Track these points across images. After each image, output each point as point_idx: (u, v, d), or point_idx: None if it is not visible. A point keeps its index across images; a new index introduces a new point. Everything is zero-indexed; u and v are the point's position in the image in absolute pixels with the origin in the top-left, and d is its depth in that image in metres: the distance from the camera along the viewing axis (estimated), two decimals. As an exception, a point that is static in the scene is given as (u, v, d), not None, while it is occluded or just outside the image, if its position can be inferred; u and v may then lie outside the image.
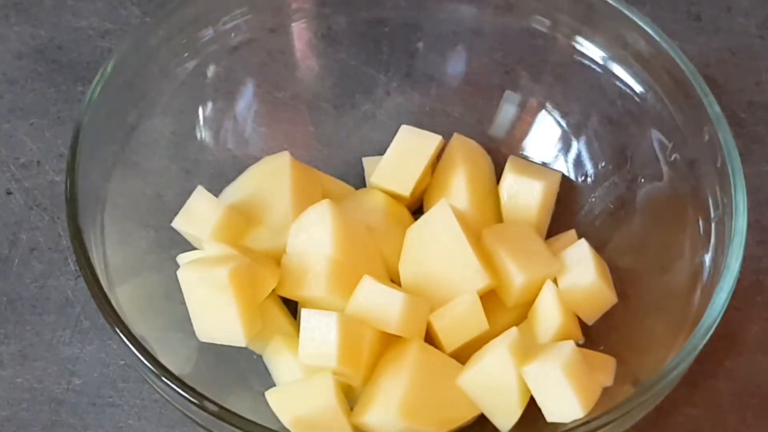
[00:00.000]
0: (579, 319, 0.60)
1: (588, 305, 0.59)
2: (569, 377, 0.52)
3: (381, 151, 0.64)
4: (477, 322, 0.57)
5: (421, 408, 0.54)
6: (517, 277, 0.58)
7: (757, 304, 0.65)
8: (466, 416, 0.56)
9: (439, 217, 0.59)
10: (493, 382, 0.55)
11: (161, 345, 0.54)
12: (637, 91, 0.62)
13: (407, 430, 0.54)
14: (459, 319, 0.57)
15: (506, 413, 0.55)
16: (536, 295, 0.59)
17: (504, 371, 0.54)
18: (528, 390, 0.54)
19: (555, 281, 0.59)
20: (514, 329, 0.55)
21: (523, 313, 0.60)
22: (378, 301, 0.56)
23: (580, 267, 0.59)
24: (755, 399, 0.62)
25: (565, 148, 0.66)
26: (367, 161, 0.66)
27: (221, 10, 0.64)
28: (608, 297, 0.59)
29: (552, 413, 0.54)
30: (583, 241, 0.60)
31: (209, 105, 0.65)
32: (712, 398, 0.62)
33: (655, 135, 0.62)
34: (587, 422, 0.49)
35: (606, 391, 0.55)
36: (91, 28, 0.75)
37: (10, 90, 0.72)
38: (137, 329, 0.52)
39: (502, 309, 0.59)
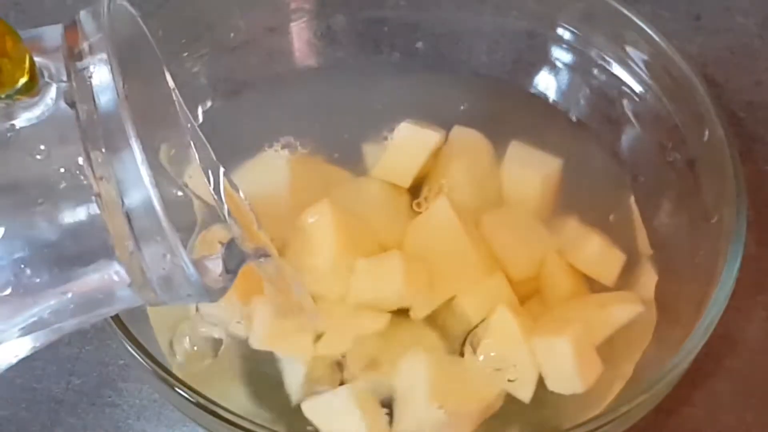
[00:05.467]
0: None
1: (602, 266, 0.60)
2: (576, 356, 0.54)
3: (381, 139, 0.64)
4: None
5: (448, 389, 0.55)
6: (517, 258, 0.58)
7: (757, 304, 0.65)
8: (492, 393, 0.56)
9: (438, 213, 0.59)
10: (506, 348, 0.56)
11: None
12: (637, 91, 0.62)
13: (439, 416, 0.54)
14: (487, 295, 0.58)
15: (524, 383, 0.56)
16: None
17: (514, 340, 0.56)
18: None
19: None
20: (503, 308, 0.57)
21: (533, 288, 0.60)
22: (378, 271, 0.56)
23: (582, 236, 0.60)
24: (755, 399, 0.62)
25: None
26: (366, 147, 0.65)
27: (221, 10, 0.64)
28: (618, 255, 0.60)
29: (553, 384, 0.55)
30: (574, 216, 0.61)
31: (209, 104, 0.65)
32: (712, 398, 0.62)
33: (655, 135, 0.62)
34: (587, 422, 0.50)
35: (606, 390, 0.56)
36: (90, 27, 0.75)
37: (9, 90, 0.72)
38: (136, 329, 0.52)
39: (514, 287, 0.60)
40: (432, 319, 0.58)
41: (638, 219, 0.62)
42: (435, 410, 0.54)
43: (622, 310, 0.58)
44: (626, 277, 0.60)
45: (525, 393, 0.56)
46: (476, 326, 0.58)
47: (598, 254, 0.60)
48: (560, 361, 0.55)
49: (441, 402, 0.54)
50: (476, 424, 0.55)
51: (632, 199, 0.63)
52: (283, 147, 0.63)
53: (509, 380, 0.56)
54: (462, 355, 0.57)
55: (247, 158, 0.63)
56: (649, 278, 0.60)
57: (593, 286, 0.60)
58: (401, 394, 0.56)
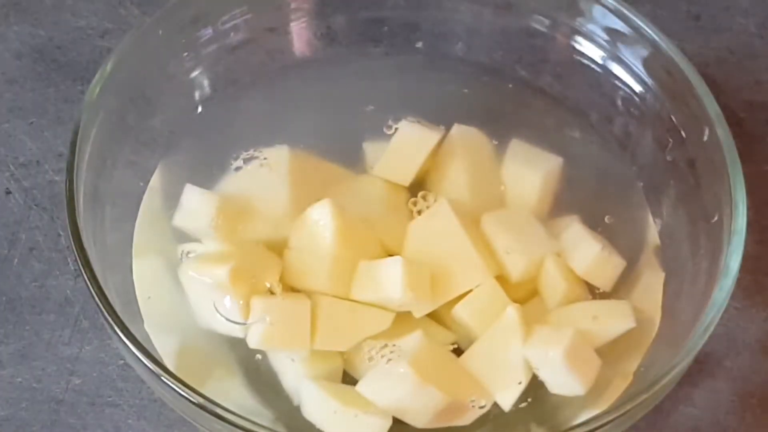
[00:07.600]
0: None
1: (600, 273, 0.59)
2: (570, 364, 0.54)
3: (381, 137, 0.64)
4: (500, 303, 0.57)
5: (430, 368, 0.55)
6: (517, 260, 0.58)
7: (757, 304, 0.65)
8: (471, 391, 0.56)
9: (439, 215, 0.59)
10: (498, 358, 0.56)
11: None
12: (637, 91, 0.62)
13: (417, 387, 0.54)
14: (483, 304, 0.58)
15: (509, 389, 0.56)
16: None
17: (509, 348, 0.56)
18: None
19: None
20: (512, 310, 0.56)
21: (532, 289, 0.60)
22: (378, 277, 0.56)
23: (582, 241, 0.59)
24: (755, 399, 0.62)
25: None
26: (367, 145, 0.65)
27: (220, 10, 0.64)
28: (617, 261, 0.60)
29: (555, 388, 0.55)
30: (575, 218, 0.61)
31: (209, 104, 0.65)
32: (712, 398, 0.62)
33: (655, 135, 0.62)
34: (587, 422, 0.50)
35: (606, 390, 0.56)
36: (90, 27, 0.75)
37: (9, 90, 0.72)
38: (136, 329, 0.52)
39: (513, 287, 0.59)
40: (434, 315, 0.58)
41: (648, 215, 0.62)
42: (407, 372, 0.54)
43: (614, 324, 0.57)
44: (628, 280, 0.60)
45: (506, 401, 0.56)
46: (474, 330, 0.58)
47: (596, 260, 0.59)
48: (555, 370, 0.55)
49: (419, 372, 0.54)
50: (442, 409, 0.55)
51: (642, 195, 0.63)
52: (285, 145, 0.63)
53: (495, 386, 0.56)
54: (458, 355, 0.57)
55: (247, 157, 0.63)
56: (653, 281, 0.60)
57: (593, 288, 0.60)
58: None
